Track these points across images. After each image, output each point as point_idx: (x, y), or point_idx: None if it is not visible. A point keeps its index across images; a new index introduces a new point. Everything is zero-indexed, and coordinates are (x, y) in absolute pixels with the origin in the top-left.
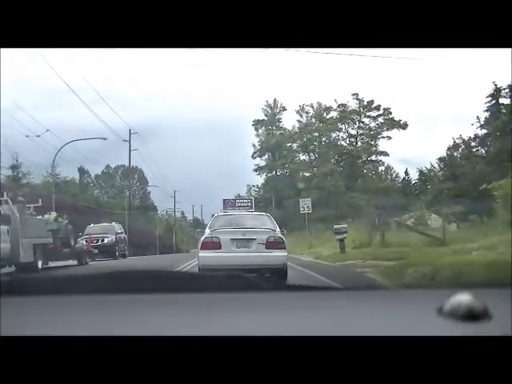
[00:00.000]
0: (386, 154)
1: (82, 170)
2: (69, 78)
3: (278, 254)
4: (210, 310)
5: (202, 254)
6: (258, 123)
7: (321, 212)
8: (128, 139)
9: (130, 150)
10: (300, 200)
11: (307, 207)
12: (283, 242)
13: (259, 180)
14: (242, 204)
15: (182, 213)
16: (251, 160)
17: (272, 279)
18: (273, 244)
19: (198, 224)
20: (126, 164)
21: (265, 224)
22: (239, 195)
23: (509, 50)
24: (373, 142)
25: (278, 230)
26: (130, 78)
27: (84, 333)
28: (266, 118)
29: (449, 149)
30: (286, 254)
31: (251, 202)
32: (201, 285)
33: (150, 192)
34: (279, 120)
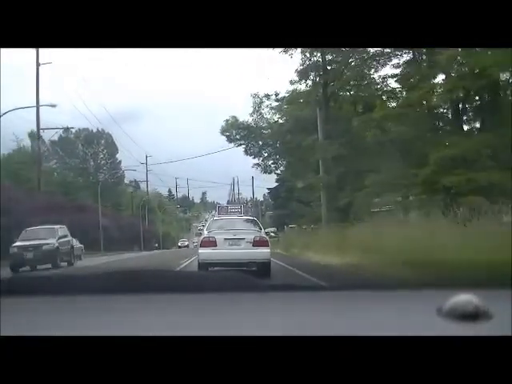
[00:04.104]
0: None
1: (33, 136)
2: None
3: (262, 251)
4: (209, 310)
5: (202, 250)
6: None
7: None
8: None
9: (37, 65)
10: None
11: None
12: (267, 241)
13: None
14: (234, 210)
15: (169, 190)
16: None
17: (272, 280)
18: (258, 242)
19: (185, 202)
20: (90, 127)
21: (252, 227)
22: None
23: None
24: None
25: (263, 231)
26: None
27: (84, 333)
28: None
29: None
30: (269, 250)
31: (241, 208)
32: (200, 285)
33: (120, 161)
34: None
